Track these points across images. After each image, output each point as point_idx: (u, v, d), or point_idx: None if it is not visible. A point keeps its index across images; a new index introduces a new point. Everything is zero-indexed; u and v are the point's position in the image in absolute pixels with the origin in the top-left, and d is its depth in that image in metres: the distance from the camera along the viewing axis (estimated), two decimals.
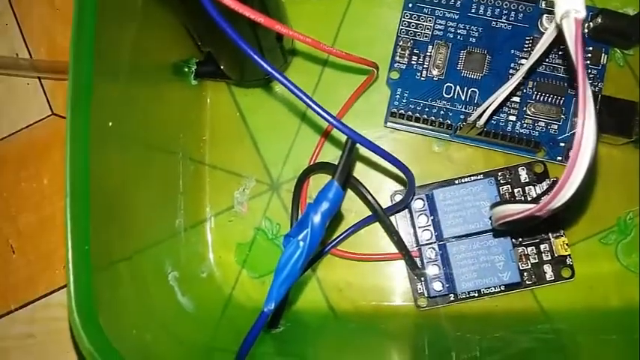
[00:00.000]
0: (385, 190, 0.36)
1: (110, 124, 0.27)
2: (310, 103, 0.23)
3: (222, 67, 0.35)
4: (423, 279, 0.34)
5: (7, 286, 0.37)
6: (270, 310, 0.23)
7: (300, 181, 0.35)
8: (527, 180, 0.35)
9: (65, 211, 0.24)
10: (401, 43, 0.36)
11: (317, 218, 0.23)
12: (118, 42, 0.28)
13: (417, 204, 0.35)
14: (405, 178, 0.31)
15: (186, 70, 0.35)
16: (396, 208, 0.34)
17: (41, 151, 0.38)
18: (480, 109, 0.31)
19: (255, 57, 0.23)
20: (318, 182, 0.36)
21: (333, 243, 0.34)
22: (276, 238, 0.37)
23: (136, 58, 0.30)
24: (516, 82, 0.28)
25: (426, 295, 0.34)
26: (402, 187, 0.36)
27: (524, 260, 0.34)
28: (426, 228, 0.34)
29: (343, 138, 0.36)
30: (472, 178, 0.35)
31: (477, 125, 0.33)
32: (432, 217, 0.34)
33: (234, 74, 0.35)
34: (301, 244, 0.23)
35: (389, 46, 0.37)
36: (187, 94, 0.36)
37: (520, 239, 0.34)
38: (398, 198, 0.35)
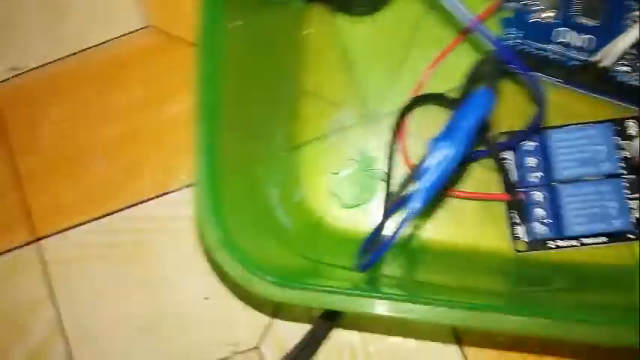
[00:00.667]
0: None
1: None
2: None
3: None
4: (525, 222, 0.33)
5: (87, 195, 0.36)
6: (415, 210, 0.21)
7: (403, 112, 0.34)
8: None
9: (196, 110, 0.24)
10: None
11: (469, 123, 0.22)
12: None
13: (528, 144, 0.33)
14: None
15: None
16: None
17: (134, 63, 0.37)
18: (607, 47, 0.30)
19: None
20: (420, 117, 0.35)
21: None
22: (369, 171, 0.35)
23: None
24: None
25: (526, 239, 0.33)
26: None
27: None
28: (535, 169, 0.33)
29: (449, 75, 0.35)
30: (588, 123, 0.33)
31: (599, 66, 0.31)
32: (541, 159, 0.33)
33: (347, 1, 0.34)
34: (451, 148, 0.22)
35: None
36: (292, 17, 0.35)
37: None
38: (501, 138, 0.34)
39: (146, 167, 0.36)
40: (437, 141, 0.21)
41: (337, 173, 0.36)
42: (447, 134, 0.21)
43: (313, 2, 0.36)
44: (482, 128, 0.24)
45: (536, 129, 0.32)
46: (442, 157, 0.21)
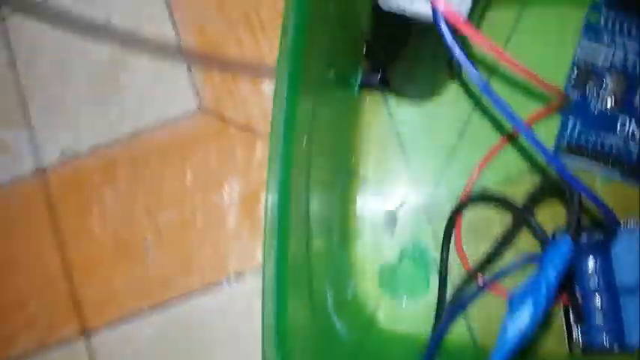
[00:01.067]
0: None
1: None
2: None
3: (389, 80, 0.33)
4: (583, 327, 0.32)
5: (139, 285, 0.36)
6: None
7: (454, 213, 0.33)
8: None
9: (266, 231, 0.23)
10: (577, 70, 0.34)
11: (552, 279, 0.21)
12: (314, 55, 0.26)
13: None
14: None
15: (353, 81, 0.34)
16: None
17: (186, 147, 0.37)
18: None
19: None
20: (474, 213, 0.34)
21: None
22: (421, 260, 0.35)
23: (323, 70, 0.29)
24: None
25: (581, 345, 0.32)
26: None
27: None
28: (593, 274, 0.32)
29: (502, 164, 0.35)
30: None
31: None
32: (602, 262, 0.32)
33: (402, 88, 0.34)
34: (531, 308, 0.21)
35: (560, 71, 0.35)
36: (348, 105, 0.35)
37: None
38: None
39: (196, 257, 0.36)
40: (517, 299, 0.21)
41: (389, 264, 0.35)
42: (525, 292, 0.21)
43: (369, 89, 0.35)
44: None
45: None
46: (522, 319, 0.20)
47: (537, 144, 0.23)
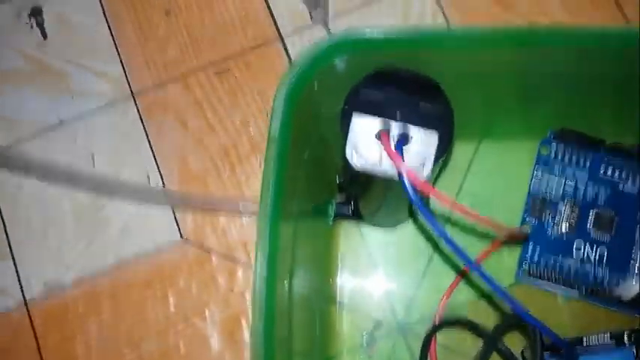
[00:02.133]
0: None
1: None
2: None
3: (360, 211, 0.36)
4: None
5: None
6: None
7: (429, 336, 0.35)
8: None
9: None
10: (532, 200, 0.37)
11: None
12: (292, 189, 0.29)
13: None
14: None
15: (329, 210, 0.36)
16: None
17: (169, 276, 0.38)
18: (626, 286, 0.32)
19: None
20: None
21: None
22: None
23: (300, 203, 0.31)
24: None
25: None
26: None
27: None
28: None
29: (471, 284, 0.37)
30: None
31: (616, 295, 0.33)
32: None
33: (372, 219, 0.36)
34: None
35: (519, 200, 0.37)
36: (323, 233, 0.37)
37: None
38: (527, 354, 0.35)
39: None
40: None
41: None
42: None
43: (342, 219, 0.38)
44: None
45: None
46: None
47: (491, 283, 0.26)
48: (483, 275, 0.26)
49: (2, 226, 0.40)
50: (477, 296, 0.37)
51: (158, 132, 0.40)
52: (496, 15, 0.41)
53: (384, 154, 0.26)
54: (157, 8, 0.42)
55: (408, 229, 0.38)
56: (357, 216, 0.37)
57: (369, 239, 0.38)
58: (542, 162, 0.38)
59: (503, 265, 0.37)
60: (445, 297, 0.36)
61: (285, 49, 0.41)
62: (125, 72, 0.41)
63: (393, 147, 0.25)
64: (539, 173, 0.37)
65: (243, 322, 0.38)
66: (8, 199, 0.40)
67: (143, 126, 0.41)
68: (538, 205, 0.37)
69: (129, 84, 0.41)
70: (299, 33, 0.41)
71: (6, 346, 0.38)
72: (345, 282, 0.38)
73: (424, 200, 0.25)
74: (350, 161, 0.26)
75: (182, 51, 0.42)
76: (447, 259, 0.37)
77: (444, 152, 0.26)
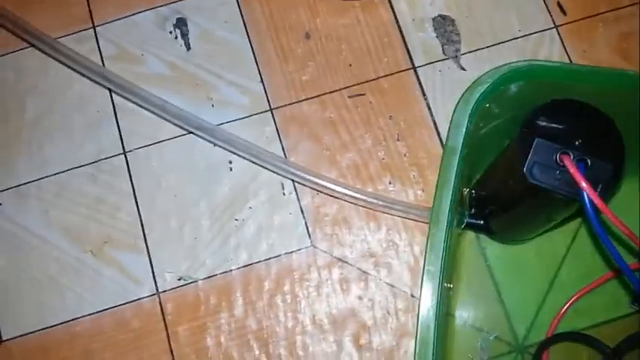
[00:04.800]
0: None
1: None
2: None
3: (490, 226, 0.38)
4: None
5: None
6: None
7: (540, 349, 0.37)
8: None
9: None
10: None
11: None
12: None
13: None
14: None
15: (462, 219, 0.38)
16: None
17: (299, 279, 0.40)
18: None
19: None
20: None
21: None
22: None
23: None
24: None
25: None
26: None
27: None
28: None
29: (592, 305, 0.38)
30: None
31: None
32: None
33: (502, 234, 0.39)
34: None
35: None
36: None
37: None
38: None
39: None
40: None
41: None
42: None
43: (470, 229, 0.40)
44: None
45: None
46: None
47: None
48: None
49: (140, 222, 0.42)
50: (593, 320, 0.38)
51: (293, 146, 0.43)
52: (617, 64, 0.43)
53: (562, 174, 0.28)
54: (298, 30, 0.45)
55: (528, 249, 0.40)
56: (485, 229, 0.39)
57: (490, 252, 0.40)
58: None
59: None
60: (561, 311, 0.38)
61: (418, 79, 0.44)
62: (264, 87, 0.44)
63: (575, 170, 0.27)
64: None
65: (365, 330, 0.39)
66: (145, 197, 0.43)
67: (279, 138, 0.43)
68: None
69: (267, 99, 0.44)
70: (431, 65, 0.44)
71: (139, 333, 0.40)
72: (460, 293, 0.39)
73: (600, 221, 0.27)
74: (527, 176, 0.28)
75: (319, 73, 0.44)
76: (566, 284, 0.39)
77: (617, 185, 0.28)
